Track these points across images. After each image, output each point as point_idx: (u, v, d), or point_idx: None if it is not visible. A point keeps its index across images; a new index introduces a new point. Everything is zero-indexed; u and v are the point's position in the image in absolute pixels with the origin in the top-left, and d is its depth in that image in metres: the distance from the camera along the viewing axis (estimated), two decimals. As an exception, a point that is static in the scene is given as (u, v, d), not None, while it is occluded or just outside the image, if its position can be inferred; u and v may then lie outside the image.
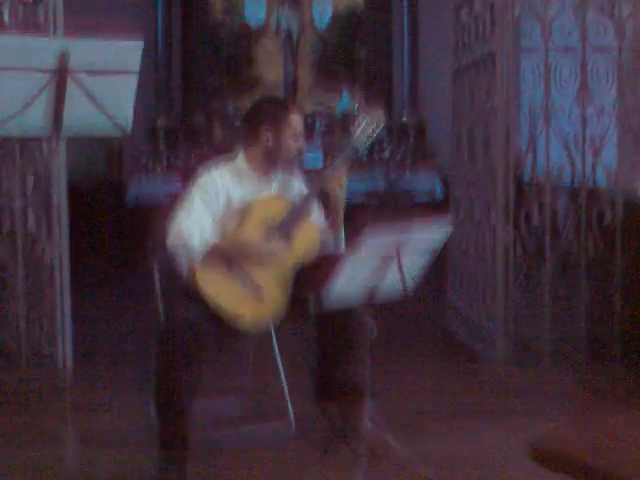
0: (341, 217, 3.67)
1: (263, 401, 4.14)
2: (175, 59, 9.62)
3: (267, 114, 3.64)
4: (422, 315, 6.19)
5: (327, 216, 3.70)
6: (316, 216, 3.73)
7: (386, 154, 9.06)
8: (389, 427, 3.40)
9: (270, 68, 9.98)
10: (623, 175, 4.92)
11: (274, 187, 3.71)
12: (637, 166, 4.89)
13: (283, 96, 9.37)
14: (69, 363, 3.44)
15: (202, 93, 9.72)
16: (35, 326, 4.84)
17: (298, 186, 3.78)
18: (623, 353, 4.93)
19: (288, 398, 3.90)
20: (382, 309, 3.29)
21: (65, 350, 4.67)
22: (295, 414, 3.88)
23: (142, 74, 3.16)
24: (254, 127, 3.65)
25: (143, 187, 8.78)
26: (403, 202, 8.55)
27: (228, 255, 3.44)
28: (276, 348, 3.90)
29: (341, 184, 3.61)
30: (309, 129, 9.33)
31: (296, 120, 3.65)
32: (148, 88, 8.60)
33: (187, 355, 3.25)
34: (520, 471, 3.32)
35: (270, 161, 3.64)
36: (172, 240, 3.42)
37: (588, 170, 4.92)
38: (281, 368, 3.91)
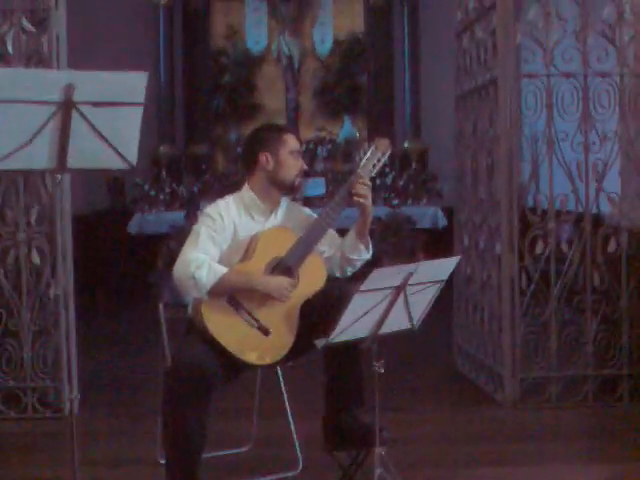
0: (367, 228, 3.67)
1: (272, 449, 4.13)
2: (177, 87, 9.65)
3: (262, 139, 3.67)
4: (430, 353, 6.16)
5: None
6: (331, 238, 3.72)
7: (388, 180, 9.08)
8: (401, 474, 3.36)
9: (272, 95, 10.02)
10: (627, 202, 4.90)
11: (280, 216, 3.70)
12: (641, 193, 4.88)
13: (284, 122, 9.39)
14: (75, 409, 3.40)
15: (204, 121, 9.74)
16: (40, 370, 4.80)
17: (305, 214, 3.77)
18: (631, 390, 4.90)
19: (298, 446, 3.89)
20: (389, 346, 3.27)
21: (71, 396, 4.52)
22: (305, 461, 3.87)
23: (144, 101, 3.15)
24: (252, 155, 3.67)
25: (146, 216, 8.78)
26: (405, 229, 8.54)
27: (235, 287, 3.42)
28: (284, 393, 3.89)
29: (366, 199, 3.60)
30: (311, 155, 9.35)
31: (291, 138, 3.67)
32: (150, 116, 8.60)
33: (195, 398, 3.23)
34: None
35: (274, 184, 3.64)
36: (179, 271, 3.40)
37: (592, 197, 4.90)
38: (290, 415, 3.89)
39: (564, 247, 4.91)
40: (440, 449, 4.24)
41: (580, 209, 4.92)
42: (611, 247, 4.90)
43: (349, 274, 3.73)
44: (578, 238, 4.91)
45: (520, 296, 4.87)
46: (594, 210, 4.91)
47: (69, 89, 2.99)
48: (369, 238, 3.71)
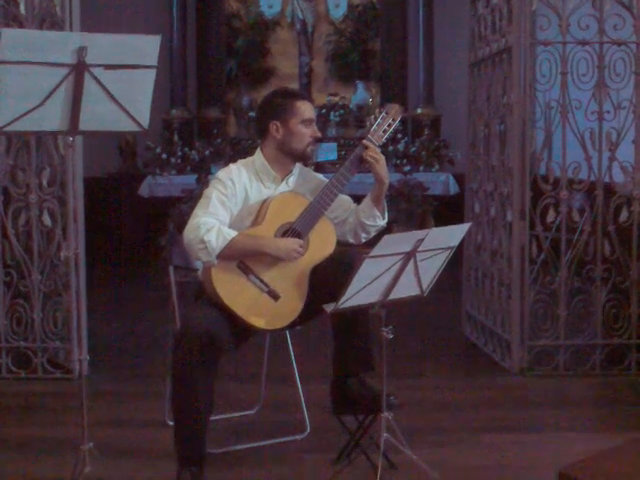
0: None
1: (279, 413, 4.18)
2: (190, 50, 9.59)
3: (273, 107, 3.64)
4: (439, 320, 6.18)
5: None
6: (344, 203, 3.73)
7: (400, 147, 9.05)
8: (407, 439, 3.39)
9: (285, 59, 9.96)
10: (640, 171, 4.89)
11: (292, 182, 3.70)
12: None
13: (297, 87, 9.34)
14: (84, 370, 3.45)
15: (217, 85, 9.69)
16: (50, 331, 4.84)
17: (317, 179, 3.76)
18: (639, 360, 4.91)
19: (305, 409, 3.93)
20: (398, 313, 3.28)
21: (80, 357, 4.51)
22: (312, 425, 3.92)
23: (157, 65, 3.15)
24: (263, 123, 3.65)
25: (157, 180, 8.77)
26: (417, 195, 8.52)
27: (245, 251, 3.43)
28: (293, 356, 3.91)
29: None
30: (323, 120, 9.31)
31: (303, 106, 3.63)
32: (162, 80, 8.57)
33: (204, 361, 3.24)
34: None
35: (285, 153, 3.63)
36: (189, 234, 3.40)
37: (604, 166, 4.87)
38: (298, 379, 3.92)
39: (575, 216, 4.91)
40: (447, 415, 4.27)
41: (592, 178, 4.90)
42: (623, 217, 4.89)
43: (363, 240, 3.73)
44: (590, 207, 4.90)
45: (530, 264, 4.87)
46: (606, 179, 4.90)
47: (81, 51, 2.99)
48: (385, 205, 3.71)
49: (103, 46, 3.05)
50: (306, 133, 3.61)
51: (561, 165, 4.89)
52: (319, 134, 3.69)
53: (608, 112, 4.87)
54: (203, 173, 8.36)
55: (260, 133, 3.69)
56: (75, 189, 4.72)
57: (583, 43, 4.86)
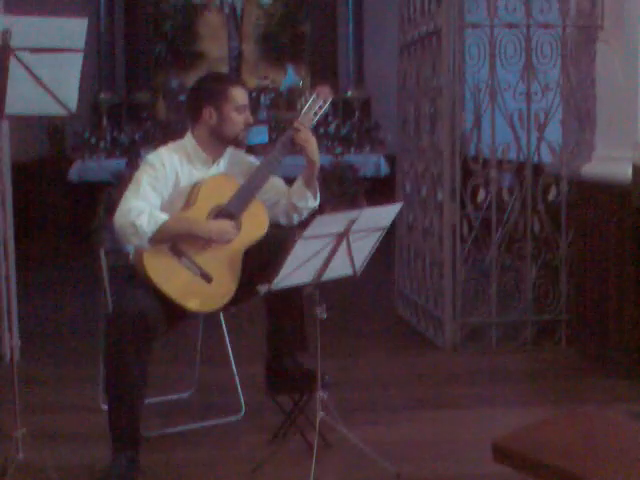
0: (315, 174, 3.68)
1: (214, 394, 4.17)
2: (117, 34, 9.47)
3: (206, 92, 3.61)
4: (372, 299, 6.23)
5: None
6: (276, 185, 3.73)
7: (331, 129, 9.07)
8: (342, 417, 3.40)
9: (214, 43, 9.88)
10: (567, 151, 4.97)
11: (223, 165, 3.68)
12: (581, 143, 4.94)
13: (227, 71, 9.29)
14: (16, 356, 3.40)
15: (145, 69, 9.59)
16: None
17: (248, 162, 3.75)
18: (568, 335, 5.01)
19: (240, 391, 3.92)
20: (332, 292, 3.30)
21: (12, 343, 4.43)
22: (247, 406, 3.92)
23: (84, 49, 3.10)
24: (196, 107, 3.62)
25: (86, 164, 8.67)
26: (348, 177, 8.57)
27: (176, 234, 3.41)
28: (227, 338, 3.91)
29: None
30: (254, 104, 9.28)
31: (237, 92, 3.60)
32: (90, 63, 8.45)
33: (137, 344, 3.23)
34: (477, 462, 3.35)
35: (217, 139, 3.61)
36: (120, 219, 3.37)
37: (533, 147, 4.96)
38: (232, 360, 3.91)
39: (505, 195, 4.98)
40: (381, 392, 4.30)
41: (521, 158, 4.98)
42: (551, 195, 4.99)
43: (295, 222, 3.74)
44: (519, 186, 4.98)
45: (461, 243, 4.94)
46: (535, 159, 4.98)
47: (6, 35, 2.93)
48: (317, 186, 3.71)
49: (28, 29, 2.99)
50: (239, 120, 3.59)
51: (490, 146, 4.96)
52: (252, 120, 3.67)
53: (536, 93, 4.94)
54: (133, 157, 8.29)
55: (192, 117, 3.65)
56: (3, 173, 4.64)
57: (511, 26, 4.91)
